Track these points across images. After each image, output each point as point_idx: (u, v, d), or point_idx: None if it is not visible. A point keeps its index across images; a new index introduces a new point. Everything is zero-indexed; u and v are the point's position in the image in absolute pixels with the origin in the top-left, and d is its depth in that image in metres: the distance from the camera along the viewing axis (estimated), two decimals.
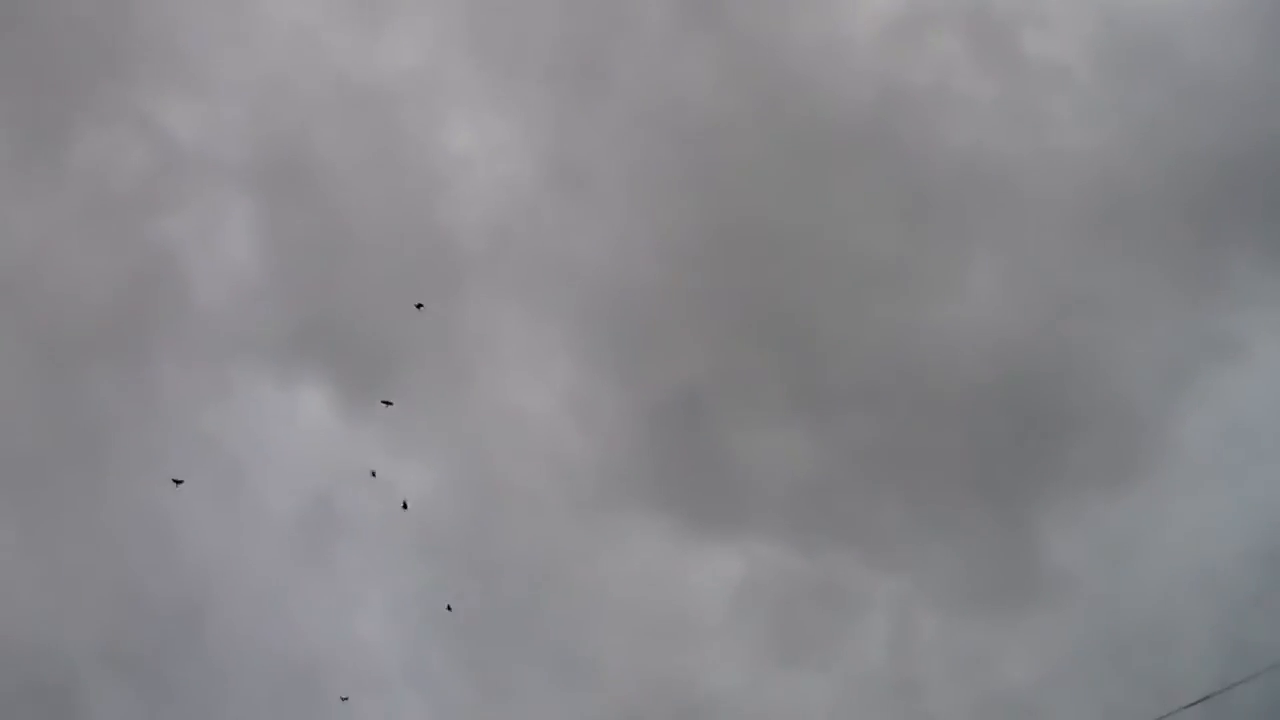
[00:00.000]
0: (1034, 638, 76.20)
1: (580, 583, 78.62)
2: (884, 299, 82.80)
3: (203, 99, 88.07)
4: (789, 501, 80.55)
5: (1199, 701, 62.86)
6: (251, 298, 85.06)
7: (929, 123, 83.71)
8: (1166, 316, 78.46)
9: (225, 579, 79.52)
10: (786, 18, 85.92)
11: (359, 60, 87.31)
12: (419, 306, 76.68)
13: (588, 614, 78.25)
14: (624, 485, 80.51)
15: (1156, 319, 78.56)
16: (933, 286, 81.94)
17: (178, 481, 75.56)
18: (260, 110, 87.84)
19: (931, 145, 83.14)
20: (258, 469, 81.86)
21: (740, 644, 78.54)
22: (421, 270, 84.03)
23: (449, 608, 75.68)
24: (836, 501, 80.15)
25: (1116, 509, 76.15)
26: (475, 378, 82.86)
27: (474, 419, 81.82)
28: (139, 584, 79.91)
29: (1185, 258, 79.07)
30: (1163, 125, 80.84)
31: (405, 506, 75.77)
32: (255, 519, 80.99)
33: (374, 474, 77.30)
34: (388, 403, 76.27)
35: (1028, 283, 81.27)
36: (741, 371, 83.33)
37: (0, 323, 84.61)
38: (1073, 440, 78.36)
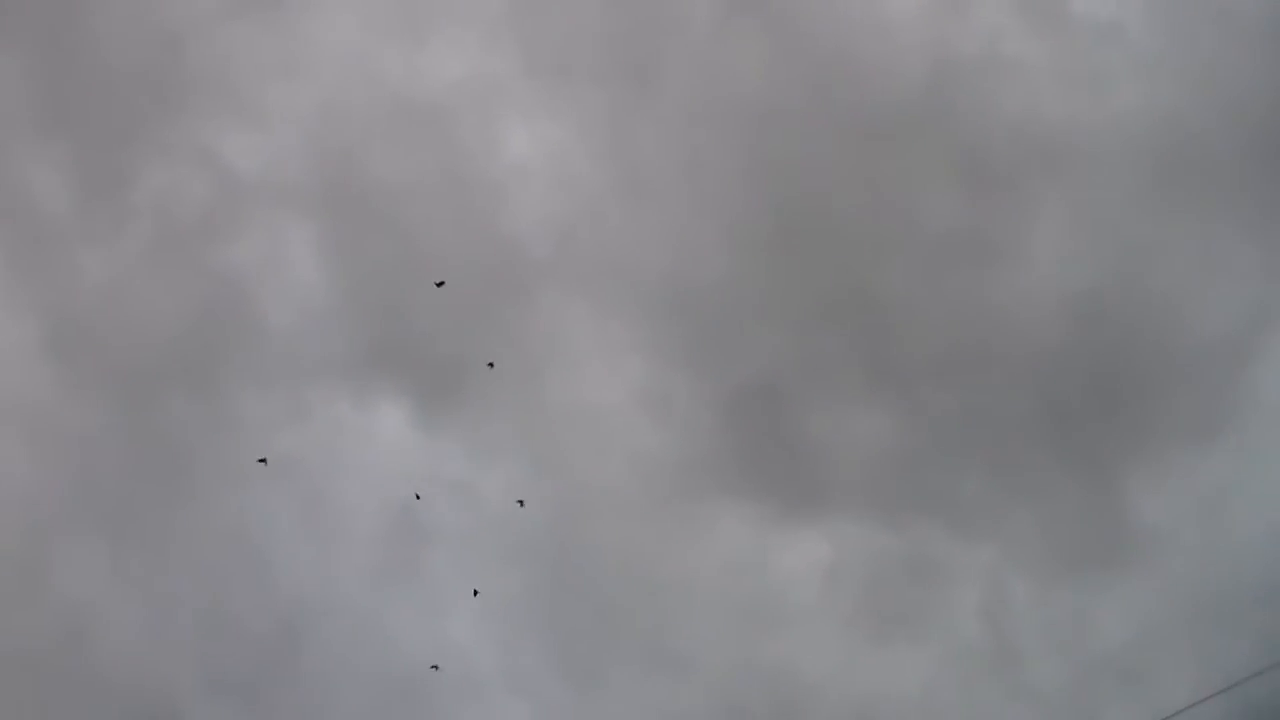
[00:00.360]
0: (1130, 598, 76.70)
1: (668, 576, 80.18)
2: (952, 270, 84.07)
3: (259, 128, 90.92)
4: (872, 479, 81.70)
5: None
6: (322, 319, 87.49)
7: (982, 91, 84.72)
8: (1240, 265, 78.83)
9: (317, 598, 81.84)
10: None
11: (410, 77, 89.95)
12: (439, 285, 78.78)
13: (678, 606, 79.81)
14: (705, 476, 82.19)
15: (1229, 268, 78.91)
16: (1000, 253, 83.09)
17: (262, 461, 78.30)
18: (316, 134, 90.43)
19: (987, 113, 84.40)
20: (341, 487, 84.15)
21: (832, 625, 79.76)
22: (488, 278, 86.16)
23: (475, 593, 77.69)
24: (920, 475, 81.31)
25: (1205, 461, 76.77)
26: (549, 380, 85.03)
27: (551, 421, 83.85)
28: (232, 608, 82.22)
29: (1254, 205, 79.53)
30: (1220, 73, 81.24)
31: (521, 504, 78.06)
32: (342, 537, 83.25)
33: (418, 496, 79.62)
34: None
35: (1095, 241, 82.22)
36: (815, 354, 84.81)
37: (79, 361, 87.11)
38: (1154, 396, 78.97)
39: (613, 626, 78.73)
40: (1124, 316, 79.56)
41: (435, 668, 75.48)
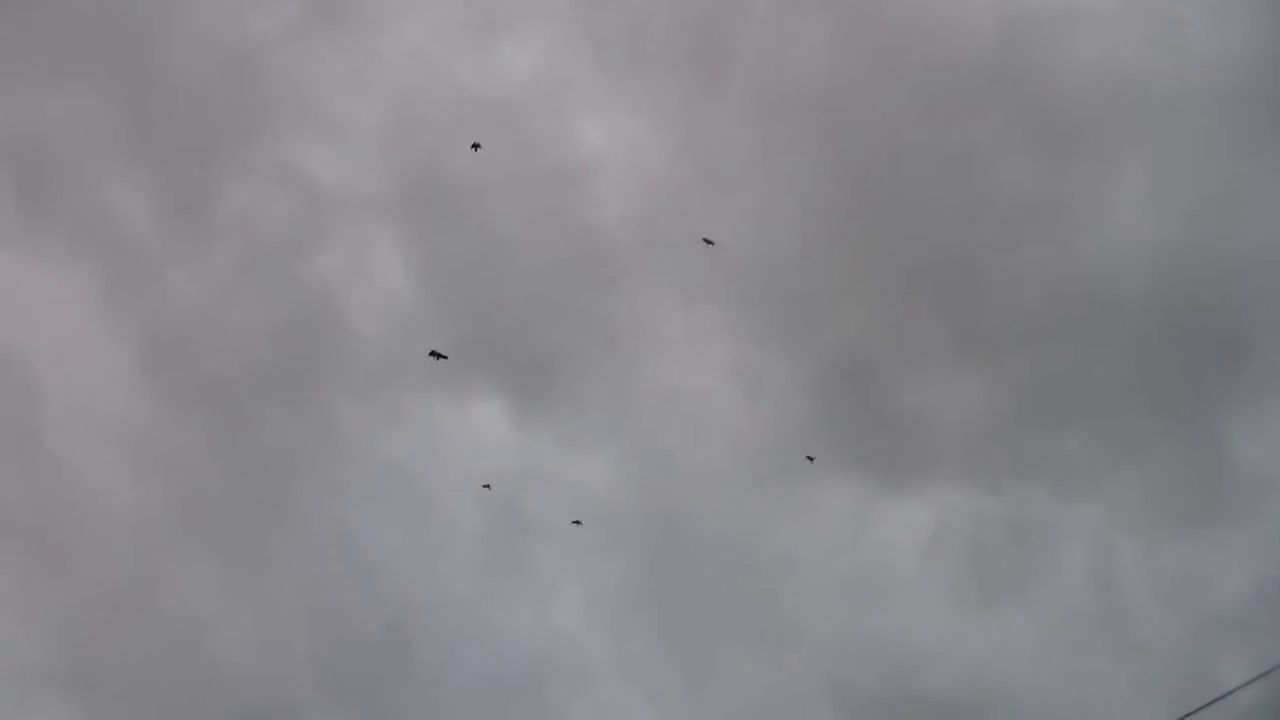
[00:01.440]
0: (1240, 549, 79.85)
1: (771, 553, 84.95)
2: (1036, 232, 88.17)
3: (336, 140, 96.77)
4: (969, 446, 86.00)
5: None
6: (411, 322, 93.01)
7: (1056, 45, 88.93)
8: None
9: (424, 596, 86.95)
10: None
11: (481, 78, 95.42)
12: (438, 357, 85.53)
13: (782, 583, 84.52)
14: (803, 452, 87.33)
15: None
16: (1083, 212, 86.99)
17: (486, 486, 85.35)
18: (392, 141, 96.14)
19: (1061, 68, 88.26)
20: (441, 486, 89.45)
21: (938, 593, 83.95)
22: (573, 270, 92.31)
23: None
24: (1017, 439, 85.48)
25: None
26: (641, 368, 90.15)
27: (645, 408, 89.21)
28: (341, 612, 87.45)
29: None
30: None
31: (578, 523, 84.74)
32: (445, 535, 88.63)
33: (487, 486, 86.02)
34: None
35: (1178, 192, 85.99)
36: (902, 325, 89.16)
37: (176, 379, 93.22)
38: (1247, 344, 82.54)
39: (718, 606, 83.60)
40: (1212, 266, 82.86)
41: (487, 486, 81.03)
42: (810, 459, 79.54)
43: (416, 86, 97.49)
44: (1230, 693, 64.38)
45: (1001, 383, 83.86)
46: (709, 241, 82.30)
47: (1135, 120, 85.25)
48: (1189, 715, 64.51)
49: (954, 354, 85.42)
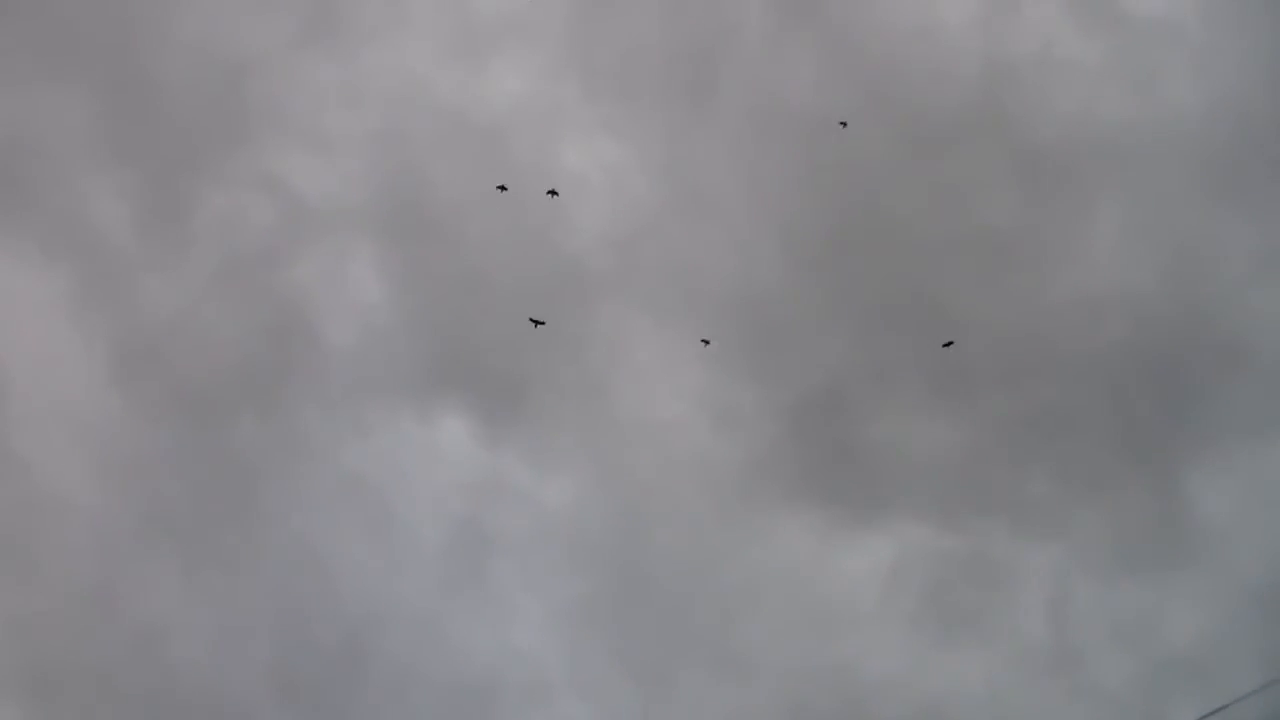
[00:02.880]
0: (1195, 594, 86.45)
1: (733, 580, 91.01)
2: (1011, 272, 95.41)
3: (320, 153, 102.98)
4: (934, 482, 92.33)
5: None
6: (384, 337, 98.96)
7: (1036, 92, 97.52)
8: None
9: (384, 608, 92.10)
10: (884, 6, 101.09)
11: (469, 99, 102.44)
12: (537, 323, 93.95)
13: (743, 610, 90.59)
14: (769, 483, 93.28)
15: None
16: (1058, 253, 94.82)
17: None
18: (377, 157, 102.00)
19: (1042, 113, 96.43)
20: (405, 499, 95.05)
21: (897, 627, 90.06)
22: (549, 292, 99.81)
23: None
24: (982, 476, 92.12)
25: (1267, 455, 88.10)
26: (611, 391, 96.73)
27: (613, 431, 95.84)
28: (301, 618, 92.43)
29: None
30: (1277, 68, 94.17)
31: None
32: (407, 547, 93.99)
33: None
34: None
35: (1153, 239, 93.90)
36: (876, 359, 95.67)
37: (146, 385, 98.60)
38: (1214, 392, 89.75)
39: (677, 630, 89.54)
40: (1183, 314, 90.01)
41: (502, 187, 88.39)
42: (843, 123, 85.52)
43: (404, 104, 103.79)
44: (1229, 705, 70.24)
45: (969, 420, 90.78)
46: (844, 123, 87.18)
47: (1112, 167, 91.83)
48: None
49: (925, 390, 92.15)
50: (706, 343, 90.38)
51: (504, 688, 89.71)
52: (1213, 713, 72.45)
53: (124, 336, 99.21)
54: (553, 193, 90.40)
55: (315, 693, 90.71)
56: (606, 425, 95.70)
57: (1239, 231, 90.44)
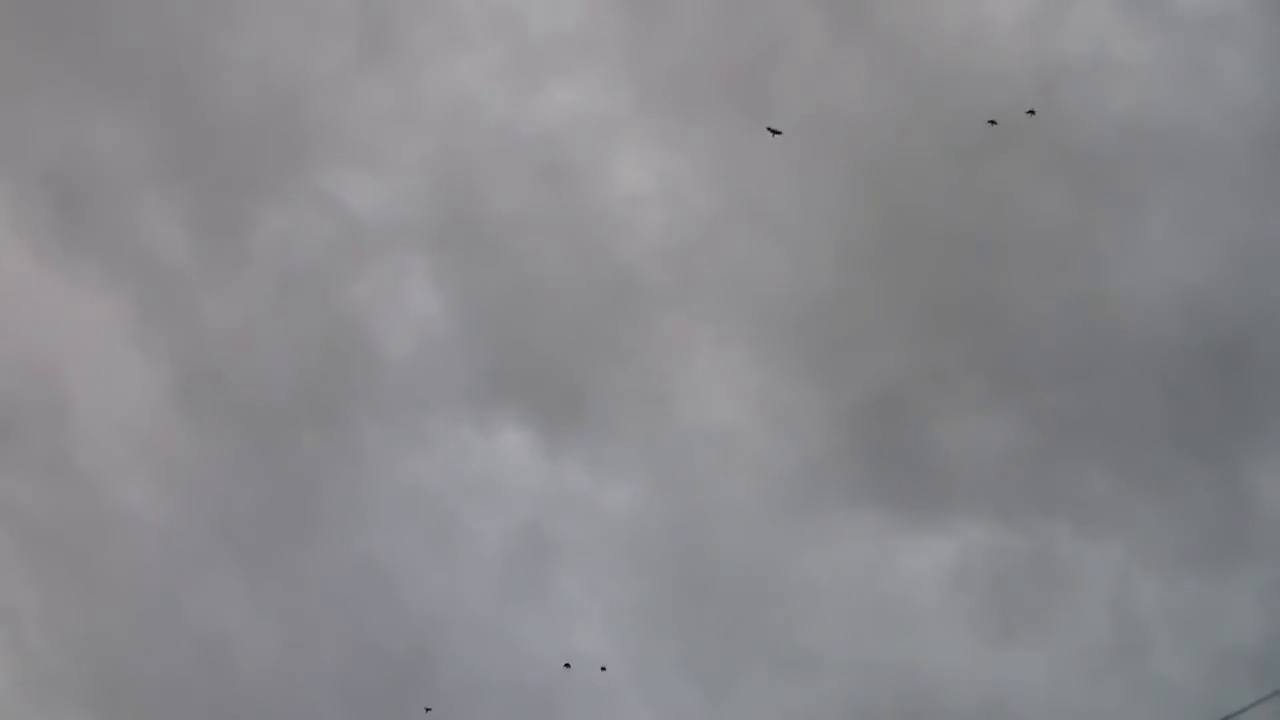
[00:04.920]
0: (1257, 590, 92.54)
1: (794, 582, 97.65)
2: (1066, 271, 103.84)
3: (377, 171, 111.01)
4: (996, 481, 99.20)
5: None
6: (442, 350, 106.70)
7: (1090, 91, 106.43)
8: None
9: (448, 616, 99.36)
10: (932, 10, 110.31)
11: (525, 115, 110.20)
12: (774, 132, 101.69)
13: (804, 611, 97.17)
14: (829, 486, 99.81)
15: None
16: (1113, 252, 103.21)
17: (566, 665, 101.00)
18: (433, 173, 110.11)
19: (1095, 113, 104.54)
20: (466, 509, 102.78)
21: (959, 625, 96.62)
22: (607, 304, 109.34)
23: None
24: (1044, 475, 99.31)
25: None
26: (670, 399, 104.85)
27: (672, 437, 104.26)
28: (365, 629, 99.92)
29: None
30: None
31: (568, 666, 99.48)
32: (469, 556, 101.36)
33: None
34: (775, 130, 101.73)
35: (1208, 235, 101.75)
36: (933, 361, 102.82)
37: (208, 403, 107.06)
38: (1272, 385, 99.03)
39: (739, 632, 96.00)
40: (1240, 308, 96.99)
41: (567, 665, 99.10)
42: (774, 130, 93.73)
43: (459, 121, 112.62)
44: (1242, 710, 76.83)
45: (1029, 420, 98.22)
46: (776, 131, 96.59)
47: (1166, 165, 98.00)
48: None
49: (983, 391, 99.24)
50: (776, 132, 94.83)
51: (568, 693, 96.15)
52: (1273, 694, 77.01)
53: (186, 355, 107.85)
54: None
55: (380, 702, 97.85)
56: (665, 432, 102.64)
57: None
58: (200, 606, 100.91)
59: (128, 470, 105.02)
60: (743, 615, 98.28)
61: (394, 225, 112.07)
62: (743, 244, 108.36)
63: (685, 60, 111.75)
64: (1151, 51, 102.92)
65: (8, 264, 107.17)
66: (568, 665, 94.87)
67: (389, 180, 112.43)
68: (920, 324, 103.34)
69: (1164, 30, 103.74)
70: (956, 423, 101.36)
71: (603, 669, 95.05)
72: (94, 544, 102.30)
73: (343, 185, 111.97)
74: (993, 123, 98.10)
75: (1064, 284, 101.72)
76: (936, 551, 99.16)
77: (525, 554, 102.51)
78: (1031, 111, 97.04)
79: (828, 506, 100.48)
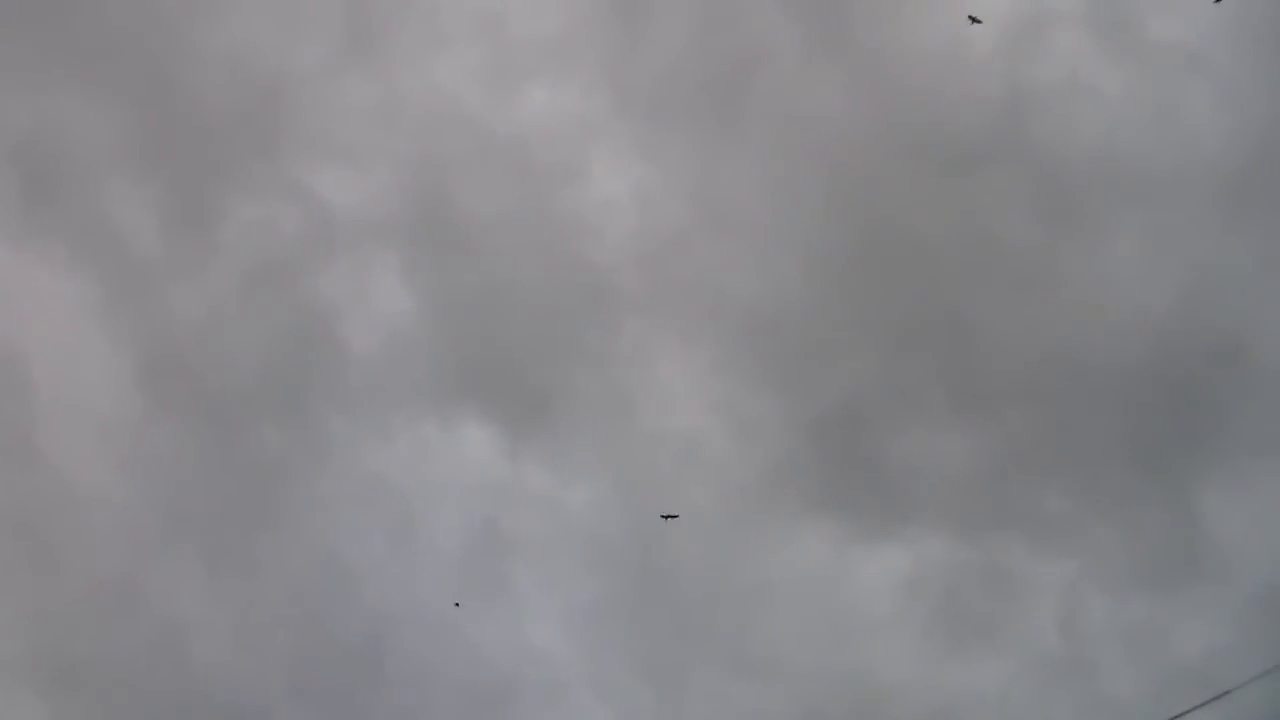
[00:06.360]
0: (1204, 609, 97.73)
1: (750, 586, 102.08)
2: (1031, 292, 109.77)
3: (350, 166, 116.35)
4: (952, 496, 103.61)
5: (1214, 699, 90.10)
6: (408, 346, 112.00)
7: (1061, 118, 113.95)
8: None
9: (404, 609, 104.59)
10: (910, 31, 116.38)
11: (500, 115, 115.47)
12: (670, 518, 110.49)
13: (759, 615, 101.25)
14: (788, 493, 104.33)
15: None
16: (1078, 275, 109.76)
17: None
18: (408, 171, 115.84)
19: (1065, 139, 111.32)
20: (426, 504, 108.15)
21: (911, 635, 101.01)
22: (575, 306, 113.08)
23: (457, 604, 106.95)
24: (1000, 491, 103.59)
25: (1276, 472, 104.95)
26: (633, 402, 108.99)
27: (634, 440, 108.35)
28: (321, 619, 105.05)
29: None
30: None
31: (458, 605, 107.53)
32: (427, 550, 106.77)
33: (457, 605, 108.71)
34: None
35: (1170, 263, 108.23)
36: (897, 376, 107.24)
37: (172, 389, 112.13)
38: (1228, 412, 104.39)
39: (694, 633, 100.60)
40: (1199, 335, 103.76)
41: (457, 604, 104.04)
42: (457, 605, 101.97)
43: (437, 121, 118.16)
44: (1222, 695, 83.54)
45: (989, 437, 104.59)
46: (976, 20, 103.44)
47: (1132, 194, 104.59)
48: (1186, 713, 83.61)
49: (945, 407, 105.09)
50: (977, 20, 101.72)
51: (521, 688, 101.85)
52: (1265, 674, 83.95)
53: (150, 340, 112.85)
54: (974, 19, 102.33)
55: (334, 692, 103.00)
56: (627, 435, 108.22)
57: (1255, 256, 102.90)
58: (156, 592, 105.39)
59: (88, 454, 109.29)
60: (698, 617, 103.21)
61: (366, 220, 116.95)
62: (712, 252, 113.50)
63: (664, 68, 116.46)
64: (1123, 81, 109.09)
65: None
66: (457, 604, 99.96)
67: (364, 176, 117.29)
68: (885, 338, 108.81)
69: (1136, 61, 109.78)
70: (917, 436, 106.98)
71: (456, 604, 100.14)
72: (52, 526, 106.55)
73: (317, 179, 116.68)
74: (975, 19, 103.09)
75: (1029, 305, 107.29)
76: (892, 562, 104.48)
77: (484, 551, 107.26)
78: (976, 19, 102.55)
79: (786, 513, 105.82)
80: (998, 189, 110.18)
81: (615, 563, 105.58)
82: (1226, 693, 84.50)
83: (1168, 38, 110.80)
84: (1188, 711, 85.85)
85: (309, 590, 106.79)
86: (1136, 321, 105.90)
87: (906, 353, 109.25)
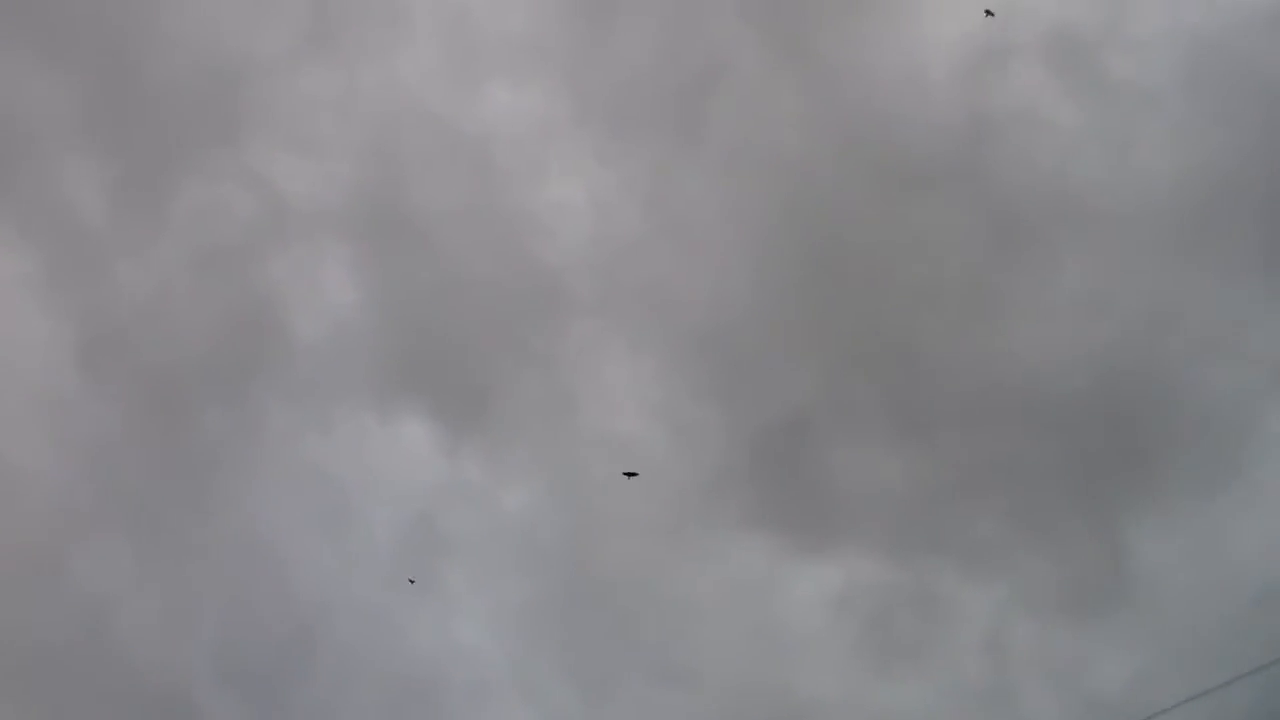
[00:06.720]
0: (1126, 642, 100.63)
1: (681, 595, 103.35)
2: (978, 320, 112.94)
3: (306, 155, 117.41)
4: (887, 517, 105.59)
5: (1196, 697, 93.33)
6: (353, 337, 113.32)
7: (1015, 148, 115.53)
8: (1253, 328, 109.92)
9: (334, 600, 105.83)
10: (872, 52, 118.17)
11: (460, 113, 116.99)
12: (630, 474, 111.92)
13: (689, 624, 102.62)
14: (725, 505, 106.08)
15: (1243, 331, 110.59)
16: (1025, 306, 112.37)
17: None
18: (362, 162, 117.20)
19: (1018, 170, 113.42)
20: (362, 496, 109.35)
21: (838, 653, 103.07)
22: (523, 307, 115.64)
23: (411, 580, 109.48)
24: (934, 515, 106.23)
25: (1208, 513, 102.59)
26: (575, 405, 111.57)
27: (574, 443, 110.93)
28: (250, 605, 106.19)
29: (1272, 272, 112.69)
30: (1252, 146, 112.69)
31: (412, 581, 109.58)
32: (361, 543, 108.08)
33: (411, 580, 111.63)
34: None
35: (1116, 300, 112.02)
36: (841, 395, 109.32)
37: (112, 365, 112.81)
38: (1164, 449, 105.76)
39: (622, 639, 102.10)
40: (1140, 371, 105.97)
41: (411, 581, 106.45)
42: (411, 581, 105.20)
43: (396, 115, 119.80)
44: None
45: (926, 460, 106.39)
46: (990, 12, 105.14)
47: (1083, 226, 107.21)
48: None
49: (887, 428, 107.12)
50: (990, 13, 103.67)
51: (447, 684, 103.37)
52: (1247, 674, 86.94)
53: (93, 317, 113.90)
54: (989, 13, 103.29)
55: (259, 680, 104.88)
56: (567, 437, 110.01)
57: (1198, 298, 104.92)
58: (85, 568, 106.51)
59: (23, 425, 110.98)
60: (627, 624, 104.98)
61: (319, 210, 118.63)
62: (664, 261, 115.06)
63: (626, 75, 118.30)
64: (1080, 115, 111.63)
65: None
66: (411, 580, 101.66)
67: (319, 165, 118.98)
68: (831, 356, 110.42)
69: (1094, 96, 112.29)
70: (856, 456, 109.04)
71: (411, 581, 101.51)
72: None
73: (272, 166, 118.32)
74: (989, 13, 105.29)
75: (975, 330, 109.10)
76: (823, 579, 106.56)
77: (416, 545, 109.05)
78: (990, 12, 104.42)
79: (721, 525, 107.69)
80: (951, 214, 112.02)
81: (547, 565, 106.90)
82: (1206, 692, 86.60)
83: (1126, 77, 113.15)
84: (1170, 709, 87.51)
85: (239, 576, 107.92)
86: (1078, 354, 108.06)
87: (851, 371, 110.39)
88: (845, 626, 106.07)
